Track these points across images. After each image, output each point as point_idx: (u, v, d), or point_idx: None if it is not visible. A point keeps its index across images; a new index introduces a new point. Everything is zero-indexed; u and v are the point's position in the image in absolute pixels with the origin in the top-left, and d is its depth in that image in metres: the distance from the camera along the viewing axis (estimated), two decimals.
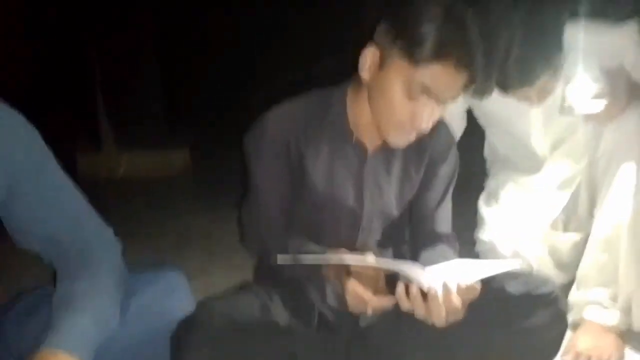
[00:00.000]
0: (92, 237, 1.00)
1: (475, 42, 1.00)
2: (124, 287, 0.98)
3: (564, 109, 1.28)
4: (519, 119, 1.46)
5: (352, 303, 1.06)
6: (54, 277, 1.01)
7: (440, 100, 1.05)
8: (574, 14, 1.25)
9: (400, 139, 1.11)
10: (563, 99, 1.27)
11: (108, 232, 1.04)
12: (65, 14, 3.63)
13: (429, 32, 0.99)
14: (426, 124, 1.06)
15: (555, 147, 1.52)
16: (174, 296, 1.01)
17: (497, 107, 1.43)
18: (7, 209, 0.93)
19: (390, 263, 1.05)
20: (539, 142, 1.51)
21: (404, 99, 1.04)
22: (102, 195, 2.68)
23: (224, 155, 4.28)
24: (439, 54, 0.99)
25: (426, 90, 1.02)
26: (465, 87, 1.05)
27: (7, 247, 1.00)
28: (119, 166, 3.80)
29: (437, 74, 1.01)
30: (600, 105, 1.25)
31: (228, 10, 5.16)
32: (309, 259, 1.06)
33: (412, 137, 1.10)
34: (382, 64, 1.05)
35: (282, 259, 1.04)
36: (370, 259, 1.02)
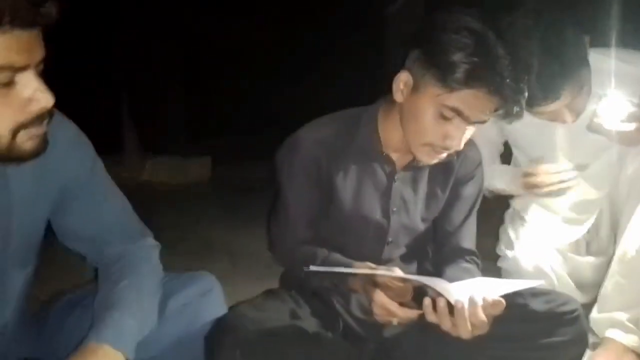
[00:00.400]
0: (135, 239, 1.06)
1: (505, 68, 1.05)
2: (162, 288, 1.03)
3: (593, 126, 1.29)
4: (545, 142, 1.49)
5: (378, 313, 1.09)
6: (95, 277, 1.06)
7: (471, 122, 1.09)
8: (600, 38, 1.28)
9: (432, 158, 1.15)
10: (594, 114, 1.29)
11: (148, 235, 1.09)
12: (93, 20, 3.74)
13: (461, 60, 1.03)
14: (458, 144, 1.10)
15: (580, 170, 1.54)
16: (208, 299, 1.06)
17: (525, 129, 1.46)
18: (57, 214, 0.99)
19: (418, 277, 1.08)
20: (565, 165, 1.54)
21: (437, 121, 1.08)
22: None
23: (244, 165, 4.36)
24: (471, 82, 1.04)
25: (458, 113, 1.07)
26: (497, 111, 1.09)
27: (50, 248, 1.05)
28: (141, 172, 3.87)
29: (469, 98, 1.05)
30: (629, 126, 1.26)
31: (255, 22, 5.27)
32: (337, 270, 1.10)
33: (443, 156, 1.15)
34: (415, 88, 1.10)
35: (310, 269, 1.08)
36: (397, 272, 1.07)
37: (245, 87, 5.36)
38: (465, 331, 1.01)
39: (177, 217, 2.85)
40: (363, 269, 1.11)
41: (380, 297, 1.08)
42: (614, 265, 1.38)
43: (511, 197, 1.69)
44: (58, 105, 0.81)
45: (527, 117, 1.35)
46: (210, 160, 4.13)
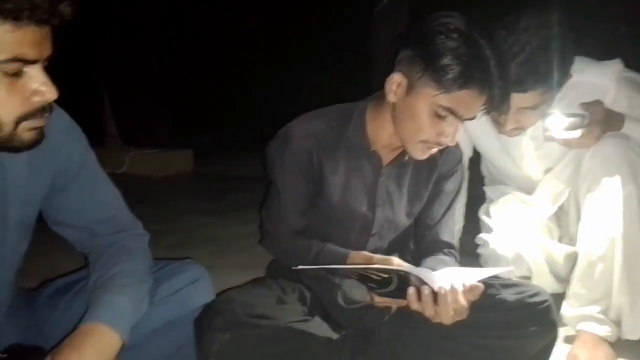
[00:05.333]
0: (125, 227, 1.09)
1: (494, 68, 1.11)
2: (152, 275, 1.06)
3: (547, 137, 1.43)
4: (513, 149, 1.60)
5: (379, 302, 1.18)
6: (85, 265, 1.09)
7: (463, 119, 1.15)
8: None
9: (425, 154, 1.21)
10: (544, 128, 1.42)
11: (138, 224, 1.13)
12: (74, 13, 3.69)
13: (454, 63, 1.09)
14: (452, 140, 1.17)
15: (547, 171, 1.63)
16: (197, 287, 1.10)
17: (493, 142, 1.59)
18: (49, 201, 1.02)
19: (405, 268, 1.13)
20: (533, 167, 1.63)
21: (432, 120, 1.14)
22: None
23: (225, 158, 4.37)
24: (465, 83, 1.10)
25: (452, 112, 1.13)
26: (485, 106, 1.15)
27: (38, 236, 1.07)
28: (122, 163, 3.85)
29: (462, 98, 1.12)
30: (576, 133, 1.39)
31: (240, 16, 5.27)
32: (336, 267, 1.18)
33: (434, 151, 1.21)
34: (410, 89, 1.16)
35: (309, 263, 1.16)
36: (395, 260, 1.13)
37: (226, 81, 5.37)
38: (447, 317, 1.06)
39: (159, 209, 2.86)
40: (360, 260, 1.18)
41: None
42: (579, 266, 1.45)
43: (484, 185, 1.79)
44: None
45: (490, 129, 1.47)
46: (191, 153, 4.14)
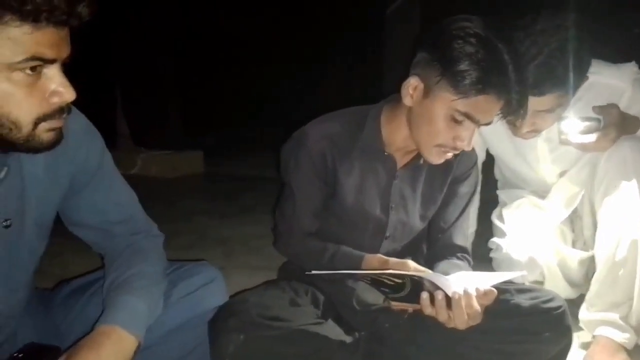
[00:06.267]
0: (141, 229, 1.10)
1: (512, 73, 1.10)
2: (166, 277, 1.07)
3: (562, 140, 1.42)
4: (527, 152, 1.59)
5: (395, 306, 1.17)
6: (101, 265, 1.09)
7: (480, 124, 1.15)
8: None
9: (441, 158, 1.20)
10: (560, 132, 1.40)
11: (153, 225, 1.13)
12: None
13: (472, 68, 1.08)
14: (468, 144, 1.16)
15: (561, 174, 1.62)
16: (211, 288, 1.10)
17: (507, 145, 1.58)
18: (67, 202, 1.02)
19: (420, 273, 1.13)
20: (547, 170, 1.62)
21: (449, 124, 1.14)
22: None
23: (235, 158, 4.39)
24: (483, 88, 1.09)
25: (469, 117, 1.13)
26: (502, 110, 1.15)
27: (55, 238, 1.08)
28: (134, 164, 3.88)
29: (480, 103, 1.11)
30: (591, 137, 1.37)
31: (250, 18, 5.28)
32: (350, 272, 1.17)
33: (450, 155, 1.20)
34: (426, 93, 1.15)
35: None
36: (411, 264, 1.13)
37: (237, 82, 5.39)
38: (461, 322, 1.06)
39: (170, 210, 2.88)
40: (375, 262, 1.18)
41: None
42: (598, 270, 1.43)
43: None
44: None
45: (504, 133, 1.45)
46: (202, 154, 4.16)
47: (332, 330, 1.15)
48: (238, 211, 2.95)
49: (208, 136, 4.81)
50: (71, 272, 1.42)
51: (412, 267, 1.14)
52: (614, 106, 1.40)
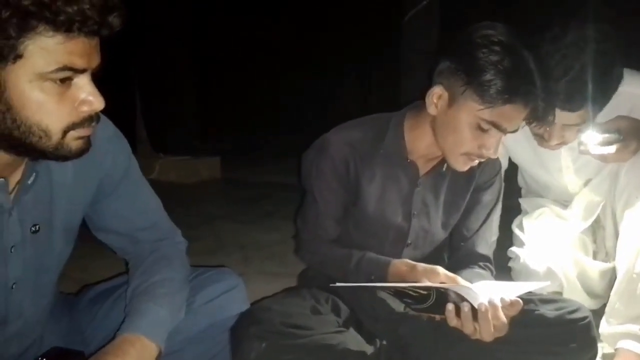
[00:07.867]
0: (165, 235, 1.10)
1: (537, 80, 1.09)
2: (189, 283, 1.07)
3: (582, 151, 1.39)
4: (550, 161, 1.57)
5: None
6: (126, 270, 1.10)
7: (506, 132, 1.14)
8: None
9: (466, 166, 1.20)
10: (580, 142, 1.38)
11: (177, 232, 1.14)
12: None
13: (498, 77, 1.08)
14: (494, 152, 1.15)
15: (585, 183, 1.60)
16: (233, 295, 1.10)
17: (529, 154, 1.56)
18: (93, 208, 1.04)
19: (447, 285, 1.11)
20: (570, 179, 1.60)
21: (475, 133, 1.13)
22: None
23: (253, 166, 4.40)
24: (509, 97, 1.08)
25: (495, 125, 1.12)
26: (528, 117, 1.14)
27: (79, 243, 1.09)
28: (152, 169, 3.91)
29: (506, 112, 1.10)
30: (610, 149, 1.35)
31: (269, 23, 5.32)
32: (378, 285, 1.17)
33: (475, 163, 1.20)
34: (451, 102, 1.15)
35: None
36: (441, 270, 1.13)
37: (256, 88, 5.42)
38: (487, 334, 1.05)
39: (189, 216, 2.88)
40: (403, 267, 1.18)
41: None
42: (618, 282, 1.41)
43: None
44: None
45: (526, 141, 1.43)
46: (219, 160, 4.18)
47: (353, 339, 1.15)
48: (256, 217, 2.95)
49: (225, 142, 4.84)
50: (90, 275, 1.43)
51: (442, 273, 1.13)
52: (635, 118, 1.37)
